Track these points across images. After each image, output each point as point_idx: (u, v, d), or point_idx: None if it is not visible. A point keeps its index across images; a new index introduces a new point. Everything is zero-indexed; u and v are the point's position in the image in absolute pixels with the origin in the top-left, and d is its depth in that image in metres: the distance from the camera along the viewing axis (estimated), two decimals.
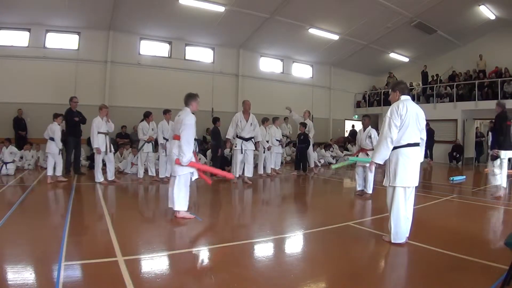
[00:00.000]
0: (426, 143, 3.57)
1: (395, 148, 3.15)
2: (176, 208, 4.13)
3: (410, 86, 15.57)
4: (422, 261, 2.90)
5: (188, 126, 4.08)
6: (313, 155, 10.09)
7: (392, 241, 3.18)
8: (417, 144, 3.21)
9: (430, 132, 10.81)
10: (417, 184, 3.25)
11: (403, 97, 3.27)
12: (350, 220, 4.17)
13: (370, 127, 5.93)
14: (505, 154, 5.87)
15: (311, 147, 9.61)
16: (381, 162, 3.23)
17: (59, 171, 6.98)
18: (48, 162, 6.81)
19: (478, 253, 3.03)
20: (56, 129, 6.96)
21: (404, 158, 3.13)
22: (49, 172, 6.76)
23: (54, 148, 6.87)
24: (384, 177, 3.32)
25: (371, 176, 5.81)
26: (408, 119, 3.12)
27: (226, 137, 7.40)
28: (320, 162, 11.30)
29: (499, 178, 5.88)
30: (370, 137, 5.85)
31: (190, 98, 4.37)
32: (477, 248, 3.33)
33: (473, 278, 2.55)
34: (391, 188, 3.20)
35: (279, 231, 3.84)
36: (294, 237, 3.66)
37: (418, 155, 3.22)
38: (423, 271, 2.71)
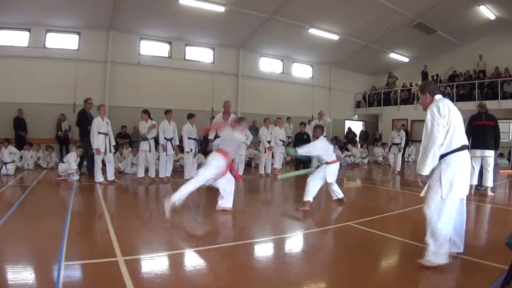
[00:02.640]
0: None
1: (448, 154, 2.71)
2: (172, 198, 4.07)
3: (411, 85, 15.61)
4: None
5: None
6: None
7: (435, 261, 2.66)
8: (466, 147, 2.80)
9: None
10: (467, 193, 2.87)
11: (437, 96, 2.87)
12: (350, 220, 4.17)
13: (322, 136, 5.44)
14: (472, 153, 5.97)
15: None
16: (428, 173, 2.76)
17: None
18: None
19: (478, 253, 3.04)
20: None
21: (460, 164, 2.71)
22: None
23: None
24: (428, 188, 2.81)
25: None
26: (454, 118, 2.72)
27: (209, 137, 7.08)
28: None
29: (470, 177, 6.05)
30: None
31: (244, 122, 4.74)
32: (477, 248, 3.33)
33: (473, 278, 2.55)
34: (444, 201, 2.68)
35: (279, 231, 3.84)
36: (294, 237, 3.66)
37: (469, 158, 2.84)
38: (422, 271, 2.70)
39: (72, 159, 7.12)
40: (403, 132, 10.23)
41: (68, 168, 7.02)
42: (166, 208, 3.97)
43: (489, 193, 5.99)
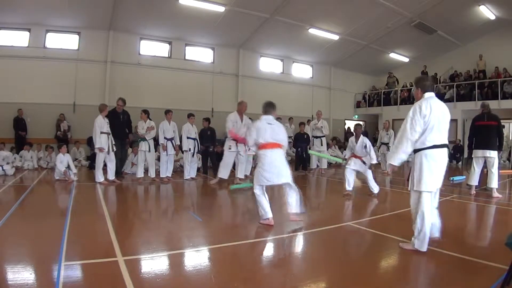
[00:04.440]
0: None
1: (419, 150, 2.96)
2: (296, 211, 4.02)
3: (411, 85, 15.61)
4: (422, 261, 2.90)
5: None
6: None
7: (416, 247, 2.96)
8: (444, 146, 2.99)
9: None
10: (440, 186, 3.07)
11: (427, 94, 3.02)
12: (350, 220, 4.17)
13: (361, 136, 5.92)
14: (474, 153, 6.00)
15: (325, 147, 9.59)
16: (398, 164, 3.03)
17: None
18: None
19: (478, 253, 3.03)
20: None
21: (430, 161, 2.92)
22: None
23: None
24: (407, 180, 3.09)
25: (371, 176, 5.88)
26: (433, 120, 2.89)
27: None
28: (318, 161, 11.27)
29: (470, 176, 6.07)
30: (365, 147, 5.82)
31: (271, 106, 4.21)
32: (477, 248, 3.34)
33: (473, 278, 2.55)
34: (417, 193, 3.00)
35: (279, 231, 3.83)
36: (294, 237, 3.66)
37: (445, 157, 3.01)
38: (422, 271, 2.71)
39: (58, 161, 7.12)
40: (391, 132, 10.26)
41: (61, 171, 7.04)
42: (295, 218, 4.04)
43: (495, 194, 5.85)
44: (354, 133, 6.12)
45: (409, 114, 2.96)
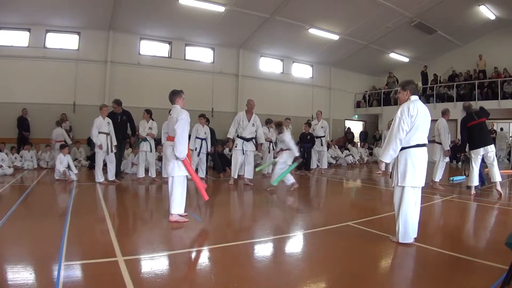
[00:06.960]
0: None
1: (404, 148, 3.17)
2: (170, 211, 4.00)
3: None
4: (422, 261, 2.90)
5: (182, 121, 3.90)
6: (326, 155, 9.98)
7: (400, 241, 3.17)
8: (425, 145, 3.23)
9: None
10: (423, 185, 3.26)
11: (413, 97, 3.26)
12: (350, 220, 4.17)
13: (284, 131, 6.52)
14: (476, 153, 5.99)
15: (325, 147, 9.60)
16: (388, 161, 3.25)
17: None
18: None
19: (478, 253, 3.04)
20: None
21: (413, 159, 3.15)
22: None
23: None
24: (390, 178, 3.29)
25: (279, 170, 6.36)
26: (418, 120, 3.13)
27: (228, 136, 7.21)
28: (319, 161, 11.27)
29: (471, 177, 6.06)
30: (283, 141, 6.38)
31: (175, 95, 4.15)
32: (477, 248, 3.34)
33: (473, 278, 2.55)
34: (400, 188, 3.21)
35: (279, 231, 3.83)
36: (294, 237, 3.66)
37: (425, 155, 3.25)
38: (422, 271, 2.71)
39: (58, 161, 7.12)
40: None
41: (60, 171, 7.03)
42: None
43: (498, 187, 5.81)
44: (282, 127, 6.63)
45: (397, 115, 3.19)
